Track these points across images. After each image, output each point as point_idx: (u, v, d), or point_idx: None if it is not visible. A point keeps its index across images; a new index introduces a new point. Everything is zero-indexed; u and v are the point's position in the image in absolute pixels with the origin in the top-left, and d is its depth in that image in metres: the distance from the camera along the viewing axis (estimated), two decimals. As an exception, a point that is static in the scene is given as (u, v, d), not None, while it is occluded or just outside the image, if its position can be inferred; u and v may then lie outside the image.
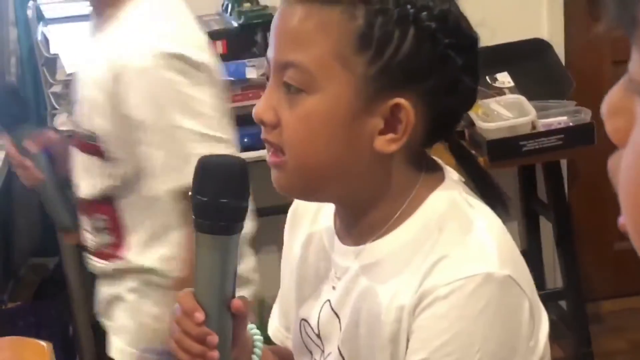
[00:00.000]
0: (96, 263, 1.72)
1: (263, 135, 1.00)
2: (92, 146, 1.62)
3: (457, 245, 0.95)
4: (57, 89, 2.53)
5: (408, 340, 0.96)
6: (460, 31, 0.97)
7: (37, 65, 2.54)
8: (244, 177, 1.00)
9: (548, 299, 3.00)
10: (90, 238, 1.70)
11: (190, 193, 1.00)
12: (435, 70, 0.96)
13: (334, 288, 1.05)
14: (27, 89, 2.65)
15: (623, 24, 0.46)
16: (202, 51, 1.62)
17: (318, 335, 1.07)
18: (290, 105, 0.96)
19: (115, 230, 1.66)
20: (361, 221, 1.03)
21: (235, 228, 1.01)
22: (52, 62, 2.53)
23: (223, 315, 1.02)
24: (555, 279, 3.16)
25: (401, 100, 0.95)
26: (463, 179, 1.04)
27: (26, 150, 1.70)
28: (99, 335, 2.81)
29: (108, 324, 1.77)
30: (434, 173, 1.02)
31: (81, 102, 1.65)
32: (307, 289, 1.10)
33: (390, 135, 0.96)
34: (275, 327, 1.21)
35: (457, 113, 1.01)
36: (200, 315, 0.99)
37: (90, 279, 2.88)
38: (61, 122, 2.52)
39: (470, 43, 0.98)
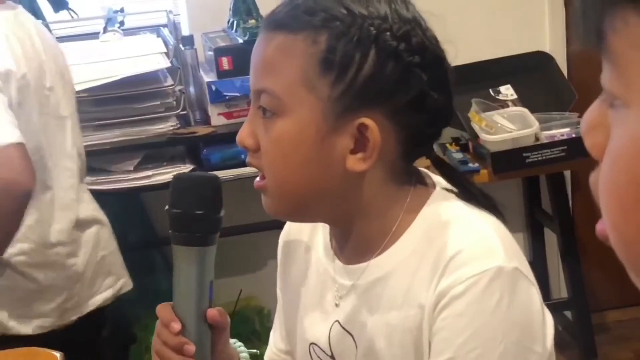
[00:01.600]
0: None
1: (247, 159, 1.04)
2: None
3: (466, 243, 0.98)
4: (66, 106, 2.56)
5: (430, 343, 0.99)
6: (424, 50, 0.99)
7: (46, 83, 2.57)
8: (216, 190, 1.04)
9: (553, 309, 3.00)
10: None
11: (166, 208, 1.04)
12: (399, 89, 0.98)
13: (337, 305, 1.08)
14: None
15: (590, 38, 0.48)
16: None
17: (331, 357, 1.09)
18: (266, 130, 1.01)
19: None
20: (356, 239, 1.06)
21: (211, 239, 1.04)
22: (61, 79, 2.56)
23: (200, 325, 1.05)
24: (560, 289, 3.18)
25: (366, 120, 0.98)
26: (454, 189, 1.06)
27: None
28: (110, 350, 2.84)
29: None
30: (424, 186, 1.05)
31: None
32: (312, 313, 1.12)
33: (360, 154, 0.99)
34: (272, 351, 1.24)
35: (433, 128, 1.04)
36: (176, 325, 1.03)
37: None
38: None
39: (436, 60, 1.01)
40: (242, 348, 1.15)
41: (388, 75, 0.97)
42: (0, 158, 1.77)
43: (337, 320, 1.08)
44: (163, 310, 1.05)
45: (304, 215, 1.08)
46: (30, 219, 1.95)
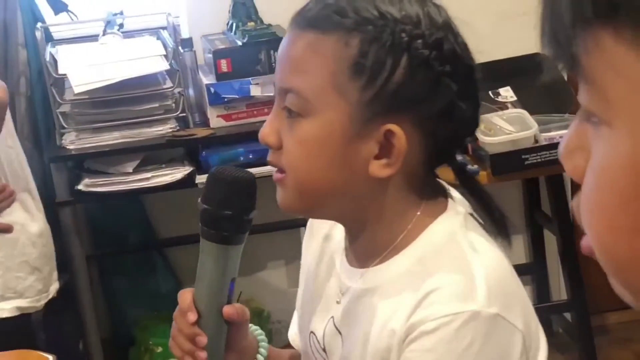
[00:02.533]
0: None
1: (268, 157, 1.04)
2: None
3: (448, 280, 0.96)
4: (65, 108, 2.56)
5: None
6: (456, 59, 0.98)
7: (47, 86, 2.57)
8: (250, 192, 1.04)
9: (553, 311, 3.02)
10: None
11: (199, 200, 1.04)
12: (429, 97, 0.97)
13: (338, 302, 1.08)
14: (36, 108, 2.68)
15: (563, 62, 0.47)
16: None
17: (324, 349, 1.10)
18: (290, 129, 1.00)
19: None
20: (362, 243, 1.05)
21: (236, 239, 1.04)
22: (61, 82, 2.57)
23: (216, 319, 1.06)
24: (560, 291, 3.18)
25: (393, 126, 0.97)
26: (468, 205, 1.05)
27: None
28: (109, 351, 2.84)
29: None
30: (437, 200, 1.04)
31: None
32: (317, 303, 1.13)
33: (384, 160, 0.98)
34: (294, 332, 1.25)
35: (457, 138, 1.03)
36: (192, 316, 1.05)
37: (101, 295, 2.92)
38: (70, 140, 2.55)
39: (467, 70, 1.00)
40: (263, 337, 1.16)
41: (418, 83, 0.96)
42: None
43: (333, 317, 1.08)
44: (183, 297, 1.07)
45: (317, 213, 1.08)
46: None
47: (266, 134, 1.02)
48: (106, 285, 2.96)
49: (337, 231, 1.13)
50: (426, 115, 0.98)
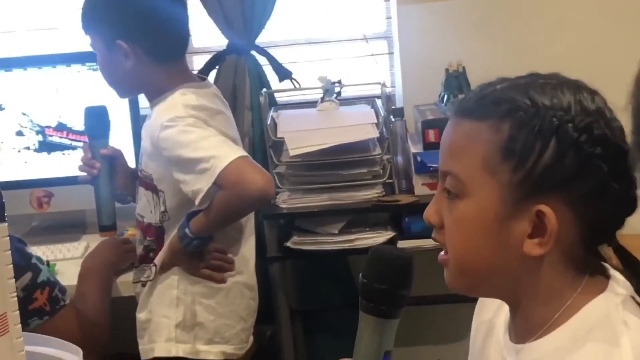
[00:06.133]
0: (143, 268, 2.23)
1: (432, 235, 1.11)
2: (150, 184, 2.13)
3: (593, 354, 0.98)
4: (281, 169, 2.72)
5: None
6: (606, 141, 1.02)
7: (266, 147, 2.76)
8: (406, 269, 1.09)
9: None
10: (140, 249, 2.25)
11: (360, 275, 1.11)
12: (578, 178, 1.01)
13: None
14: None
15: None
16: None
17: None
18: (449, 209, 1.07)
19: (158, 248, 2.19)
20: (520, 319, 1.09)
21: (392, 313, 1.10)
22: (279, 145, 2.74)
23: None
24: None
25: (543, 207, 1.01)
26: (630, 288, 1.06)
27: (97, 155, 2.21)
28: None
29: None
30: (597, 279, 1.05)
31: (142, 152, 2.16)
32: None
33: (538, 239, 1.02)
34: None
35: (615, 218, 1.05)
36: None
37: (303, 349, 3.02)
38: (282, 199, 2.70)
39: (618, 152, 1.03)
40: None
41: (568, 165, 1.01)
42: (253, 167, 1.99)
43: None
44: None
45: (478, 291, 1.13)
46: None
47: (429, 214, 1.09)
48: (309, 340, 3.06)
49: (505, 307, 1.16)
50: (577, 196, 1.01)
